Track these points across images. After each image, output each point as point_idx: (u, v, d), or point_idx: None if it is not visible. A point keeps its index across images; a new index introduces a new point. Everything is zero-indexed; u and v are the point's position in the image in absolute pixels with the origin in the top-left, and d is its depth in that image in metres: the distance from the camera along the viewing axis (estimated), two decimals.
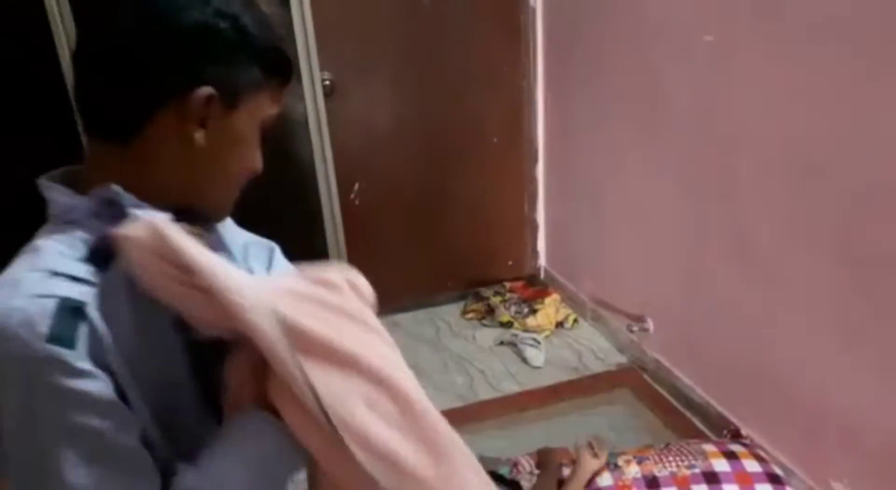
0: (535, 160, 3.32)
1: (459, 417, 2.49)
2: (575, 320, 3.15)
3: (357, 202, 3.03)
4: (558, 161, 3.24)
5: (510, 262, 3.49)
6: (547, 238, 3.48)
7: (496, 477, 1.99)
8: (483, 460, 2.04)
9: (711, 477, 1.89)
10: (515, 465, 2.07)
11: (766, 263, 2.02)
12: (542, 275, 3.52)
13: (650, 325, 2.67)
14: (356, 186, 3.00)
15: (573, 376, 2.75)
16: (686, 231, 2.37)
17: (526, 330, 3.04)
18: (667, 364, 2.59)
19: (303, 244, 2.41)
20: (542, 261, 3.53)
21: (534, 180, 3.37)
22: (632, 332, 2.71)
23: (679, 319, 2.52)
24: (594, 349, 2.95)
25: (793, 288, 1.94)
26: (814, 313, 1.87)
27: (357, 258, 2.52)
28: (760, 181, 1.99)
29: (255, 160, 0.88)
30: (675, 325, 2.56)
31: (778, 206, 1.93)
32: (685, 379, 2.49)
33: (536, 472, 2.04)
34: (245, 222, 2.31)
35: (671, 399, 2.54)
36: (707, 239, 2.27)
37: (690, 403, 2.45)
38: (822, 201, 1.78)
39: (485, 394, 2.68)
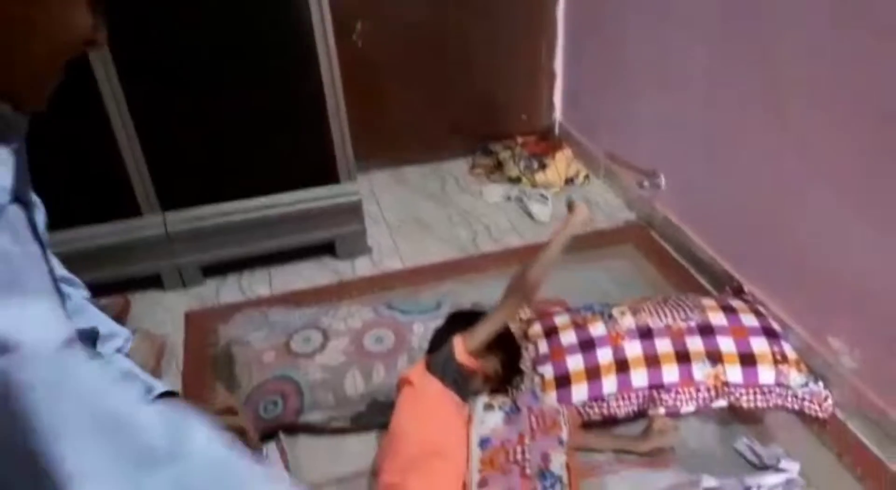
0: (556, 0, 3.06)
1: (459, 268, 2.48)
2: (587, 177, 3.03)
3: (360, 44, 2.85)
4: (581, 2, 2.98)
5: (523, 116, 3.33)
6: (564, 90, 3.28)
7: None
8: (477, 305, 2.05)
9: (706, 329, 1.86)
10: None
11: (789, 118, 1.86)
12: (557, 129, 3.36)
13: (662, 181, 2.55)
14: (358, 26, 2.80)
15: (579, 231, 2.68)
16: (710, 84, 2.19)
17: (534, 186, 2.94)
18: (675, 221, 2.50)
19: (295, 89, 2.28)
20: (558, 114, 3.35)
21: (553, 24, 3.12)
22: (643, 187, 2.60)
23: (693, 176, 2.39)
24: (603, 205, 2.86)
25: (815, 147, 1.79)
26: (837, 175, 1.74)
27: (359, 107, 2.39)
28: (793, 33, 1.78)
29: (79, 19, 0.69)
30: (688, 181, 2.44)
31: (810, 60, 1.74)
32: (693, 236, 2.41)
33: (527, 317, 2.03)
34: (224, 60, 2.20)
35: (677, 256, 2.48)
36: (730, 93, 2.10)
37: (696, 260, 2.39)
38: (856, 55, 1.59)
39: (487, 247, 2.64)
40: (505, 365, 1.73)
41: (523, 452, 1.56)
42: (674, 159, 2.49)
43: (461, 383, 1.62)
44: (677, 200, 2.51)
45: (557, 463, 1.57)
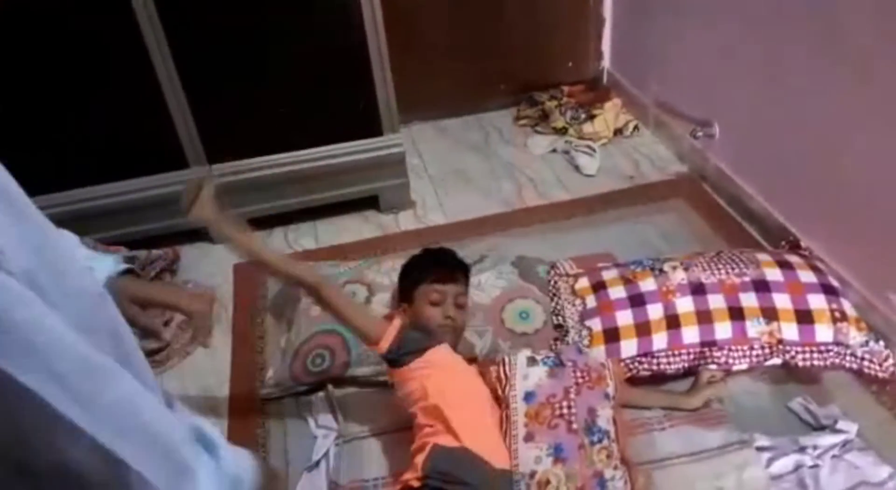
0: None
1: (503, 222, 2.46)
2: (636, 127, 2.94)
3: None
4: None
5: (570, 64, 3.22)
6: (613, 36, 3.16)
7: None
8: (523, 260, 2.03)
9: (761, 285, 1.80)
10: (553, 266, 2.03)
11: (855, 64, 1.75)
12: (605, 78, 3.25)
13: (716, 129, 2.45)
14: None
15: (627, 186, 2.62)
16: (769, 28, 2.07)
17: (581, 137, 2.86)
18: (729, 172, 2.41)
19: (339, 40, 2.23)
20: (606, 62, 3.23)
21: None
22: (695, 137, 2.51)
23: (748, 124, 2.29)
24: (653, 158, 2.78)
25: (883, 91, 1.68)
26: None
27: (400, 58, 2.34)
28: None
29: None
30: (743, 130, 2.34)
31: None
32: (747, 188, 2.33)
33: (573, 272, 2.00)
34: (269, 12, 2.16)
35: (729, 209, 2.40)
36: (790, 35, 1.98)
37: (750, 213, 2.31)
38: None
39: (532, 201, 2.59)
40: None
41: (569, 407, 1.55)
42: (729, 107, 2.39)
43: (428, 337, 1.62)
44: (731, 151, 2.41)
45: (604, 417, 1.56)
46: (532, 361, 1.63)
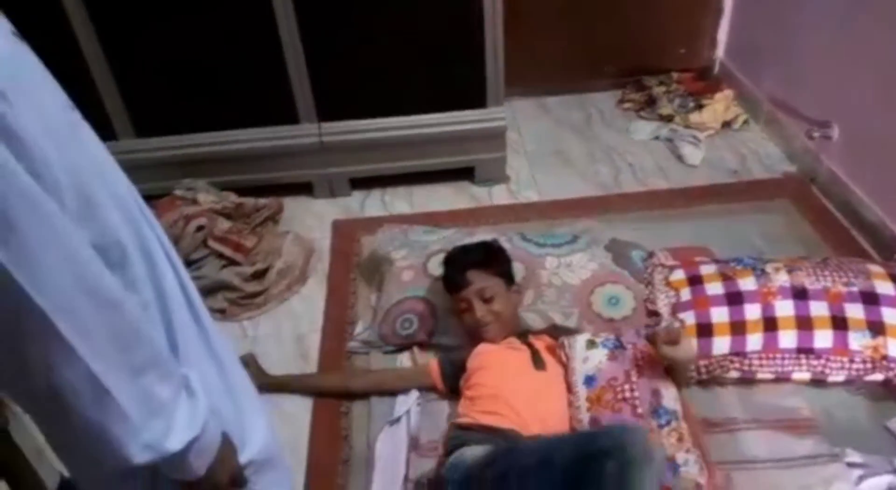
0: None
1: (598, 206, 2.43)
2: (745, 122, 2.83)
3: None
4: None
5: (682, 51, 3.12)
6: (731, 25, 3.03)
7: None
8: (617, 244, 2.01)
9: (870, 298, 1.73)
10: (651, 255, 2.00)
11: None
12: (717, 68, 3.13)
13: (835, 131, 2.34)
14: None
15: (731, 180, 2.54)
16: None
17: (687, 126, 2.79)
18: (843, 177, 2.30)
19: (457, 11, 2.24)
20: (720, 51, 3.11)
21: None
22: (811, 138, 2.40)
23: (871, 129, 2.17)
24: (761, 154, 2.68)
25: None
26: None
27: (508, 32, 2.32)
28: None
29: None
30: (864, 134, 2.22)
31: None
32: (862, 195, 2.22)
33: (670, 263, 1.97)
34: None
35: (838, 214, 2.29)
36: None
37: (861, 222, 2.20)
38: None
39: (630, 187, 2.55)
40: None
41: (632, 390, 1.55)
42: (851, 110, 2.27)
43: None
44: (849, 154, 2.29)
45: (670, 398, 1.55)
46: (591, 344, 1.64)
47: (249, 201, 2.30)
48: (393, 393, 1.76)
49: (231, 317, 2.08)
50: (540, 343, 1.71)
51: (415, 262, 1.97)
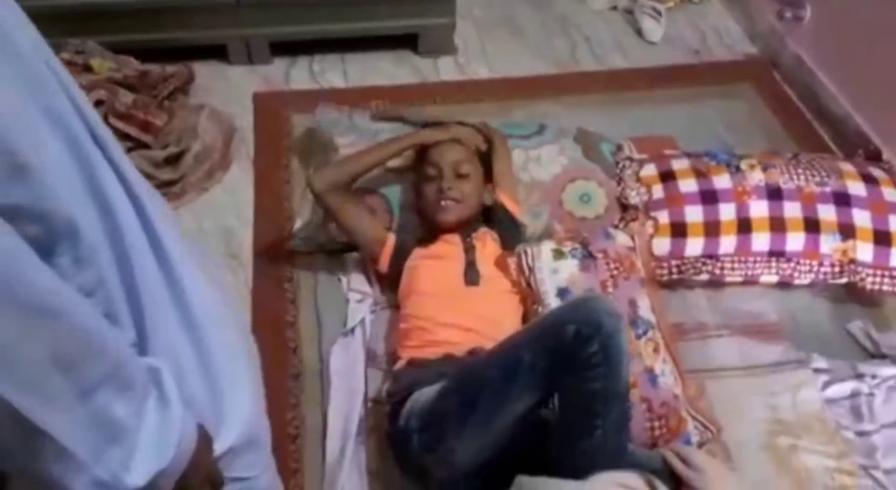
0: None
1: (556, 86, 2.22)
2: None
3: None
4: None
5: None
6: None
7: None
8: (586, 135, 1.84)
9: (842, 198, 1.68)
10: (619, 148, 1.85)
11: None
12: None
13: (807, 12, 2.19)
14: None
15: (692, 60, 2.38)
16: None
17: None
18: (810, 63, 2.19)
19: None
20: None
21: None
22: (781, 18, 2.25)
23: (847, 15, 2.03)
24: (721, 32, 2.51)
25: None
26: None
27: None
28: None
29: None
30: (839, 19, 2.08)
31: None
32: (828, 84, 2.12)
33: (638, 156, 1.83)
34: None
35: (801, 105, 2.20)
36: None
37: (825, 113, 2.13)
38: None
39: (587, 64, 2.34)
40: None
41: None
42: None
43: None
44: (819, 39, 2.17)
45: (645, 307, 1.48)
46: (559, 254, 1.50)
47: (155, 69, 1.91)
48: (344, 228, 1.55)
49: None
50: (481, 245, 1.52)
51: (363, 147, 1.72)
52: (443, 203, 1.49)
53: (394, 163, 1.64)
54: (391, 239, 1.55)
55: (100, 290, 0.55)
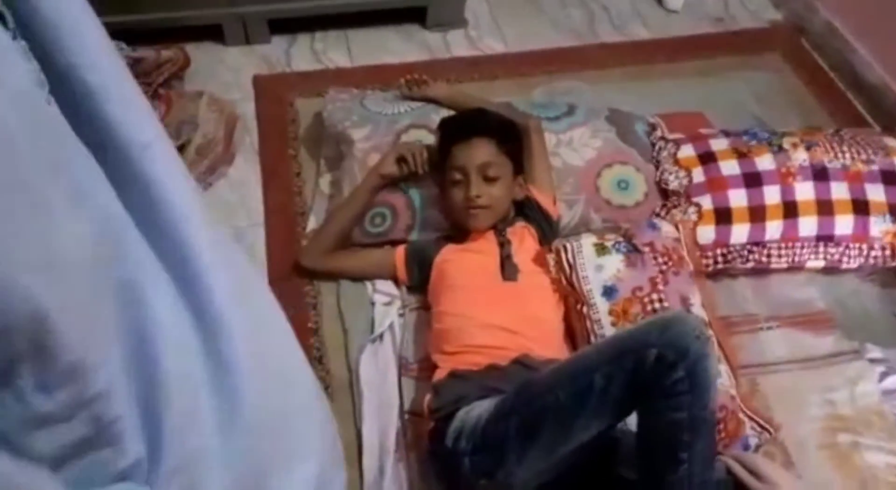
0: None
1: (576, 60, 2.10)
2: None
3: None
4: None
5: None
6: None
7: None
8: (619, 115, 1.72)
9: (890, 177, 1.59)
10: (653, 128, 1.74)
11: None
12: None
13: None
14: None
15: (715, 29, 2.25)
16: None
17: None
18: (842, 31, 2.07)
19: None
20: None
21: None
22: None
23: None
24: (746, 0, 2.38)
25: None
26: None
27: None
28: None
29: None
30: None
31: None
32: (862, 52, 2.01)
33: (673, 136, 1.72)
34: None
35: (833, 75, 2.09)
36: None
37: (860, 84, 2.02)
38: None
39: (607, 35, 2.21)
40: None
41: (660, 300, 1.35)
42: None
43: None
44: (853, 3, 2.05)
45: (697, 304, 1.39)
46: (602, 249, 1.40)
47: (150, 55, 1.75)
48: (358, 278, 1.52)
49: None
50: (517, 240, 1.43)
51: (381, 141, 1.59)
52: (472, 211, 1.38)
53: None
54: (401, 252, 1.48)
55: (83, 412, 0.45)
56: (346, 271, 1.52)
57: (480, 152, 1.38)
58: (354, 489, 1.26)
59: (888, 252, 1.55)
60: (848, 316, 1.54)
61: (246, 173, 1.77)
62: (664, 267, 1.39)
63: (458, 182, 1.39)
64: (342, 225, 1.51)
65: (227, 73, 2.00)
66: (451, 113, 1.60)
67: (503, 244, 1.40)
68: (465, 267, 1.39)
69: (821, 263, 1.57)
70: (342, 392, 1.38)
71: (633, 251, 1.40)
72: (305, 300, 1.52)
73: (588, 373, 0.98)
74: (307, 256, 1.52)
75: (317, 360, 1.43)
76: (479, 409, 1.12)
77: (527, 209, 1.48)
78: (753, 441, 1.30)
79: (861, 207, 1.56)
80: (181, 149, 1.69)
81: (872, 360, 1.44)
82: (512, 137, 1.44)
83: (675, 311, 1.29)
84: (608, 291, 1.36)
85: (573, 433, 0.99)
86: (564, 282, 1.39)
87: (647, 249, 1.40)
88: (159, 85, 1.78)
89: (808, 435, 1.34)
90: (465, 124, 1.45)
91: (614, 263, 1.38)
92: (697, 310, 1.37)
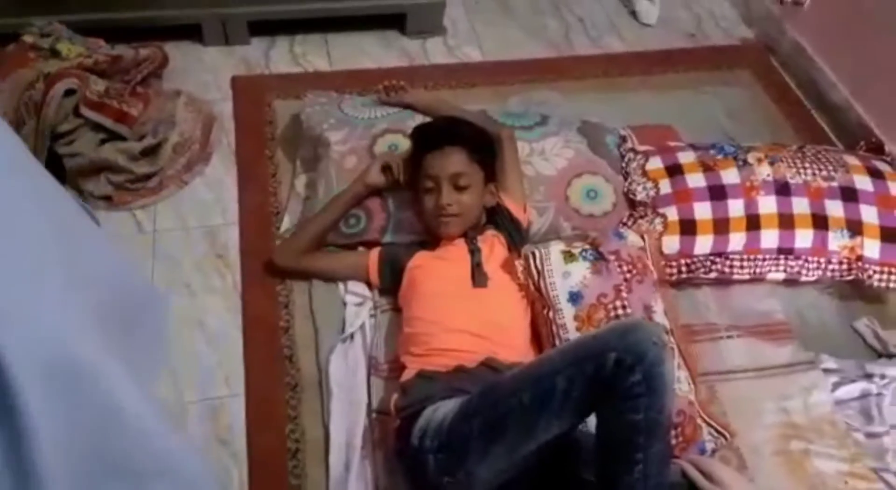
0: None
1: (552, 70, 2.14)
2: None
3: None
4: None
5: None
6: None
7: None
8: (591, 127, 1.76)
9: (849, 194, 1.64)
10: (623, 140, 1.78)
11: None
12: None
13: None
14: None
15: (688, 44, 2.31)
16: None
17: None
18: (809, 50, 2.14)
19: None
20: None
21: None
22: (782, 2, 2.19)
23: (850, 1, 1.99)
24: (716, 15, 2.45)
25: None
26: None
27: None
28: None
29: None
30: (841, 6, 2.04)
31: None
32: (828, 72, 2.08)
33: (642, 148, 1.77)
34: None
35: (800, 93, 2.16)
36: None
37: (825, 103, 2.09)
38: None
39: (582, 47, 2.26)
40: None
41: (624, 307, 1.39)
42: None
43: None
44: (820, 26, 2.12)
45: (660, 311, 1.44)
46: (569, 257, 1.44)
47: (128, 53, 1.76)
48: (329, 279, 1.54)
49: (120, 205, 1.66)
50: (487, 248, 1.45)
51: (357, 144, 1.61)
52: (443, 219, 1.41)
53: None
54: (374, 255, 1.50)
55: None
56: (319, 272, 1.54)
57: (452, 161, 1.41)
58: (321, 486, 1.29)
59: (845, 266, 1.60)
60: (806, 327, 1.59)
61: (222, 173, 1.78)
62: (629, 275, 1.43)
63: (430, 190, 1.42)
64: (320, 228, 1.53)
65: (205, 72, 2.01)
66: (427, 119, 1.63)
67: (473, 252, 1.43)
68: (436, 274, 1.41)
69: (781, 275, 1.62)
70: (311, 390, 1.40)
71: (599, 259, 1.44)
72: (277, 299, 1.54)
73: (550, 376, 1.01)
74: (281, 256, 1.53)
75: (287, 358, 1.45)
76: (444, 409, 1.15)
77: (497, 217, 1.52)
78: (710, 446, 1.34)
79: (820, 222, 1.61)
80: (157, 147, 1.71)
81: (827, 371, 1.48)
82: (484, 146, 1.47)
83: (634, 319, 1.33)
84: (574, 297, 1.39)
85: (535, 434, 1.02)
86: (532, 287, 1.43)
87: (612, 258, 1.44)
88: (137, 83, 1.78)
89: (762, 441, 1.39)
90: (437, 133, 1.47)
91: (581, 270, 1.42)
92: (660, 317, 1.41)
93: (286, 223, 1.65)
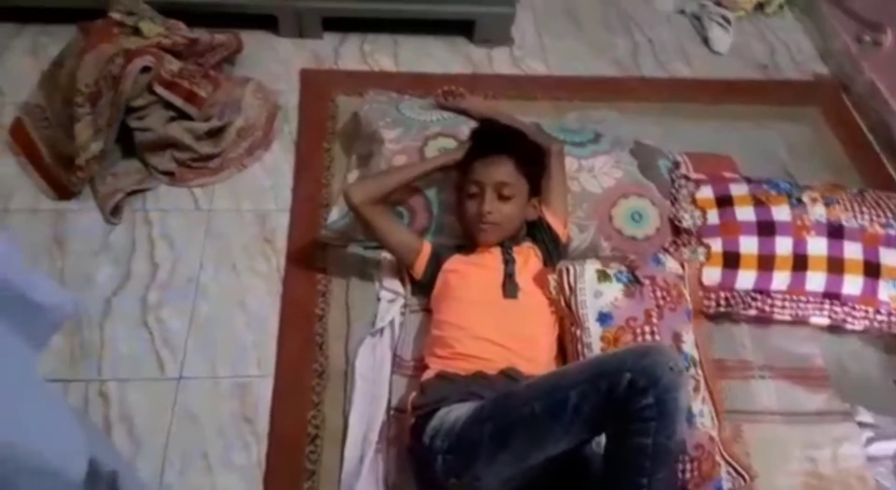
0: None
1: (614, 89, 2.14)
2: (780, 6, 2.50)
3: None
4: None
5: None
6: None
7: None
8: (643, 149, 1.75)
9: None
10: (676, 165, 1.77)
11: None
12: None
13: (888, 38, 2.06)
14: None
15: (758, 76, 2.26)
16: None
17: (718, 3, 2.43)
18: (884, 92, 2.07)
19: None
20: None
21: None
22: (860, 41, 2.12)
23: None
24: (792, 48, 2.38)
25: None
26: None
27: None
28: None
29: None
30: None
31: None
32: None
33: (695, 176, 1.74)
34: None
35: (870, 136, 2.09)
36: None
37: (895, 148, 2.01)
38: None
39: (648, 69, 2.24)
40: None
41: (653, 333, 1.38)
42: None
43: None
44: None
45: (689, 342, 1.42)
46: (604, 276, 1.44)
47: (205, 37, 1.85)
48: (378, 241, 1.52)
49: (181, 181, 1.74)
50: (522, 259, 1.46)
51: (410, 144, 1.65)
52: (482, 226, 1.43)
53: None
54: (427, 247, 1.50)
55: None
56: (377, 227, 1.48)
57: (499, 170, 1.42)
58: (334, 474, 1.33)
59: (895, 318, 1.55)
60: (845, 377, 1.54)
61: (281, 160, 1.84)
62: (662, 301, 1.42)
63: (474, 195, 1.44)
64: (396, 182, 1.50)
65: (276, 63, 2.09)
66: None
67: (507, 262, 1.45)
68: (469, 280, 1.43)
69: (825, 321, 1.58)
70: (337, 379, 1.44)
71: (633, 282, 1.43)
72: (316, 287, 1.58)
73: (564, 389, 1.02)
74: (356, 193, 1.46)
75: (318, 346, 1.49)
76: (458, 411, 1.17)
77: (536, 230, 1.52)
78: (727, 485, 1.32)
79: (872, 270, 1.56)
80: (222, 129, 1.78)
81: (862, 424, 1.44)
82: (534, 160, 1.48)
83: (656, 343, 1.32)
84: (603, 317, 1.39)
85: (543, 445, 1.02)
86: (563, 303, 1.43)
87: (647, 282, 1.43)
88: (210, 67, 1.87)
89: (784, 488, 1.35)
90: (490, 140, 1.49)
91: (613, 292, 1.41)
92: (689, 348, 1.40)
93: (334, 215, 1.69)
